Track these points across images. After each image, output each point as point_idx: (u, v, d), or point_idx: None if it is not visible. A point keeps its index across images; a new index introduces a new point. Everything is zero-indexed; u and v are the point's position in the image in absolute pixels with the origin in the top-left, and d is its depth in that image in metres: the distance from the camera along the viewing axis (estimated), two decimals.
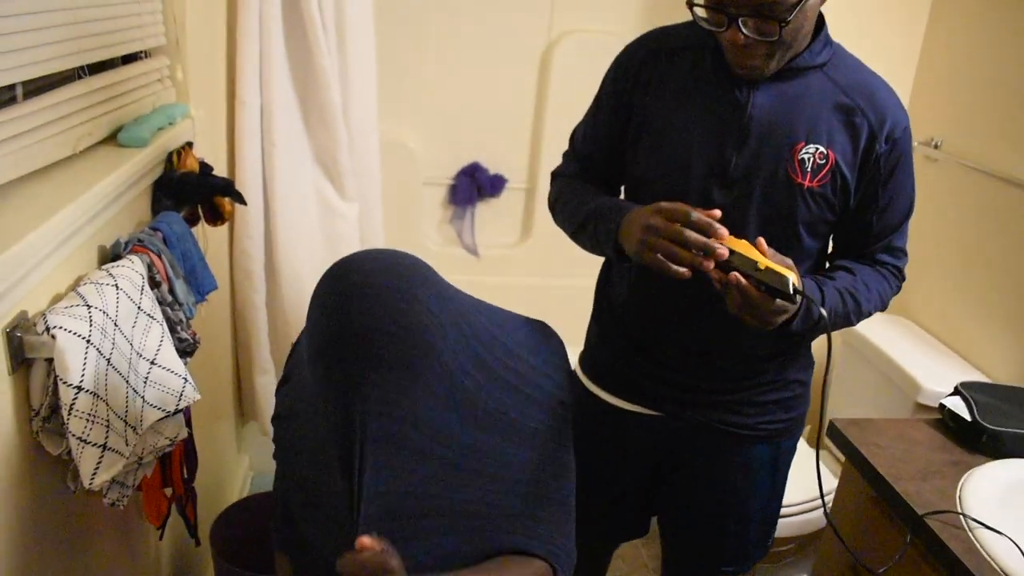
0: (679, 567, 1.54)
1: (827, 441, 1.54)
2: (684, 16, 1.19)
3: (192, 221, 1.51)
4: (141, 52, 1.50)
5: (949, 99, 2.12)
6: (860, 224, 1.26)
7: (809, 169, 1.18)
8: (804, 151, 1.17)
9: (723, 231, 1.06)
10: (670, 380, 1.34)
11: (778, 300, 1.04)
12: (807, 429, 2.32)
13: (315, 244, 2.07)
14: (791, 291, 1.03)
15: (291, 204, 1.98)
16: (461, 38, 2.68)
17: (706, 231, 1.05)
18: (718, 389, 1.33)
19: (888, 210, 1.25)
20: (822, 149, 1.17)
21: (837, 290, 1.20)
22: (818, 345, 2.41)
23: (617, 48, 1.34)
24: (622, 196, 1.37)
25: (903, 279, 1.32)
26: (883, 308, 1.30)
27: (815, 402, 2.39)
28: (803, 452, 2.12)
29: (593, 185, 1.36)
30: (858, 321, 1.25)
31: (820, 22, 1.20)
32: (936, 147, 2.13)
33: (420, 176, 2.73)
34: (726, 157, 1.20)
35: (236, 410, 2.16)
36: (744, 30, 1.09)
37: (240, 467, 2.24)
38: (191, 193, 1.45)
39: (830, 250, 1.34)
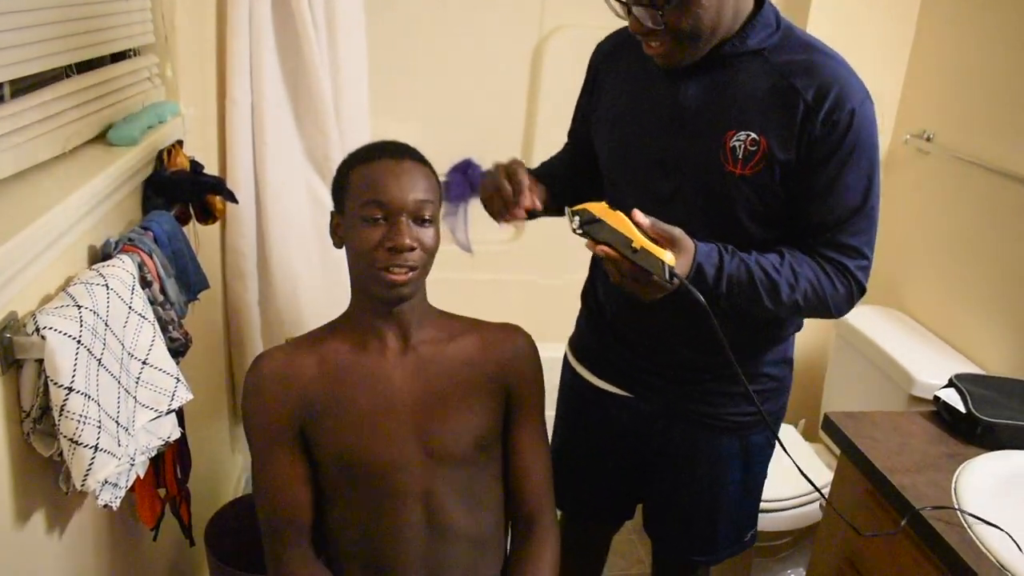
0: (657, 554, 1.58)
1: (822, 434, 1.54)
2: None
3: (183, 220, 1.50)
4: (130, 50, 1.49)
5: (941, 91, 2.12)
6: (800, 212, 1.19)
7: (740, 157, 1.15)
8: (735, 139, 1.15)
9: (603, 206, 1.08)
10: (641, 365, 1.38)
11: (654, 277, 1.03)
12: (803, 423, 2.33)
13: (307, 242, 2.07)
14: (667, 277, 1.02)
15: (283, 202, 1.98)
16: (453, 33, 2.66)
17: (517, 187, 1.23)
18: (686, 378, 1.35)
19: (827, 199, 1.16)
20: (753, 136, 1.14)
21: (744, 262, 1.14)
22: (816, 344, 2.42)
23: None
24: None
25: (858, 284, 1.21)
26: (826, 308, 1.20)
27: (807, 396, 2.41)
28: (797, 446, 2.14)
29: (572, 163, 1.45)
30: (778, 308, 1.17)
31: (759, 5, 1.17)
32: (928, 139, 2.14)
33: None
34: (663, 147, 1.21)
35: (230, 409, 2.15)
36: (637, 17, 1.11)
37: (234, 467, 2.23)
38: (182, 192, 1.45)
39: None
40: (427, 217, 1.13)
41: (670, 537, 1.50)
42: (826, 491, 1.92)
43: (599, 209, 1.04)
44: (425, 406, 1.18)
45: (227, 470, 2.17)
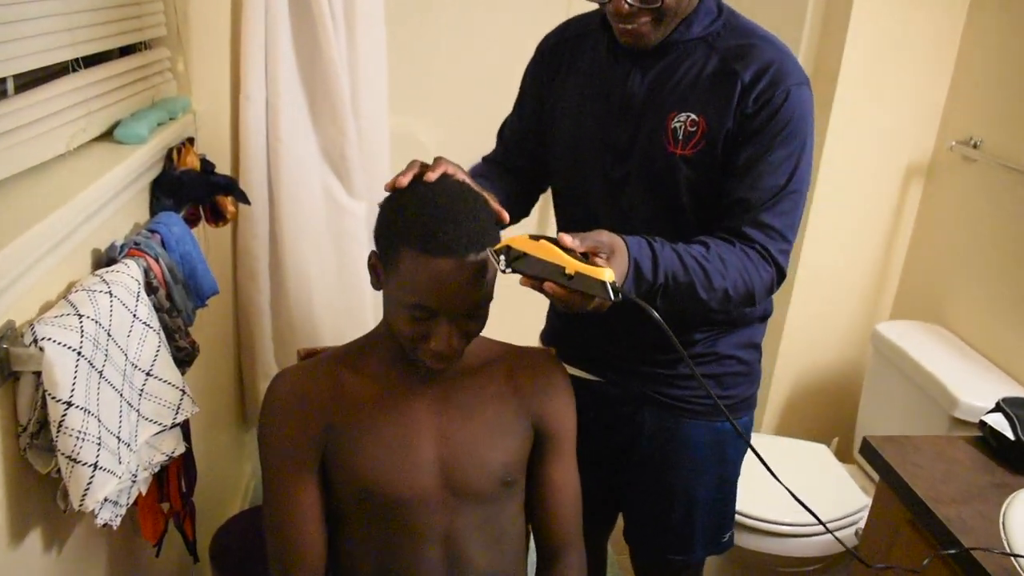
0: (635, 556, 1.57)
1: (858, 457, 1.50)
2: None
3: (193, 221, 1.49)
4: (140, 43, 1.47)
5: (988, 98, 2.07)
6: (725, 189, 1.23)
7: (681, 137, 1.22)
8: (676, 120, 1.22)
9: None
10: (608, 349, 1.41)
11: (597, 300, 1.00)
12: (836, 441, 2.29)
13: (322, 243, 2.05)
14: (611, 296, 0.98)
15: (297, 202, 1.96)
16: (474, 29, 2.65)
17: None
18: (652, 360, 1.38)
19: (751, 174, 1.20)
20: (693, 116, 1.21)
21: (675, 251, 1.14)
22: (851, 359, 2.37)
23: None
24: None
25: (779, 269, 1.22)
26: (751, 297, 1.21)
27: (840, 414, 2.37)
28: (830, 467, 2.10)
29: (505, 173, 1.44)
30: (713, 300, 1.17)
31: None
32: (975, 146, 2.08)
33: None
34: (614, 133, 1.28)
35: (238, 416, 2.14)
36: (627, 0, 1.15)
37: (242, 476, 2.23)
38: (192, 192, 1.44)
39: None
40: (480, 312, 1.07)
41: (646, 535, 1.50)
42: (862, 516, 1.88)
43: (521, 242, 1.00)
44: (449, 439, 1.15)
45: (235, 480, 2.16)
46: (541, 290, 0.99)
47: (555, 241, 1.00)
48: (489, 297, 1.07)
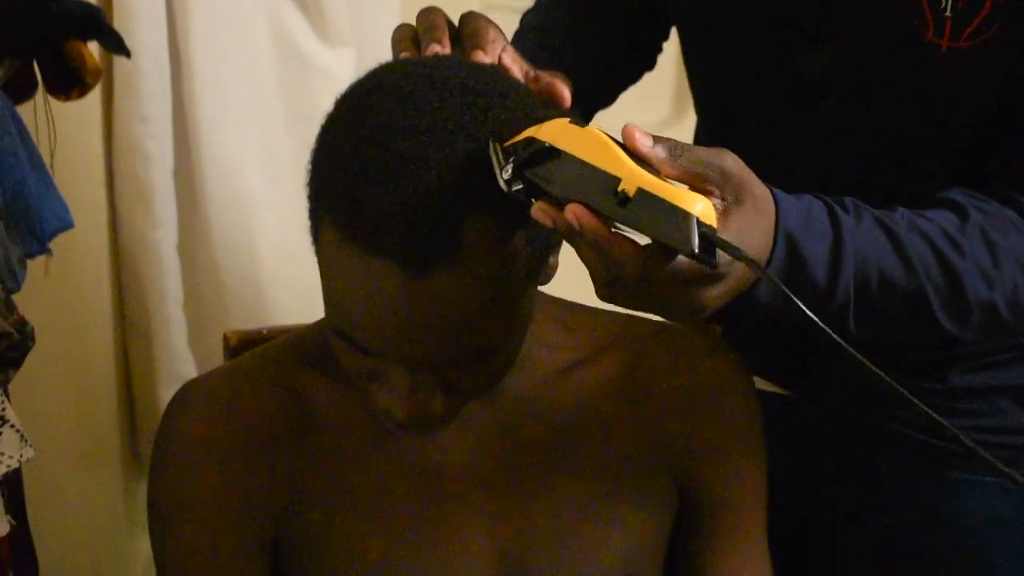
0: None
1: None
2: None
3: (20, 92, 1.51)
4: None
5: None
6: (1013, 104, 1.21)
7: (949, 13, 1.16)
8: None
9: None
10: (806, 338, 1.30)
11: (679, 258, 0.89)
12: None
13: (272, 127, 2.16)
14: (693, 246, 0.87)
15: (225, 55, 2.02)
16: None
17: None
18: (899, 361, 1.32)
19: None
20: None
21: (887, 230, 1.10)
22: None
23: None
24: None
25: None
26: None
27: None
28: None
29: (586, 16, 1.48)
30: (965, 326, 1.16)
31: None
32: None
33: None
34: None
35: (125, 453, 2.18)
36: None
37: (136, 553, 2.28)
38: (16, 34, 1.45)
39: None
40: (487, 359, 1.03)
41: None
42: None
43: (556, 130, 0.93)
44: (517, 516, 1.16)
45: (120, 560, 2.23)
46: (561, 231, 0.92)
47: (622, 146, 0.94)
48: (514, 332, 1.03)
